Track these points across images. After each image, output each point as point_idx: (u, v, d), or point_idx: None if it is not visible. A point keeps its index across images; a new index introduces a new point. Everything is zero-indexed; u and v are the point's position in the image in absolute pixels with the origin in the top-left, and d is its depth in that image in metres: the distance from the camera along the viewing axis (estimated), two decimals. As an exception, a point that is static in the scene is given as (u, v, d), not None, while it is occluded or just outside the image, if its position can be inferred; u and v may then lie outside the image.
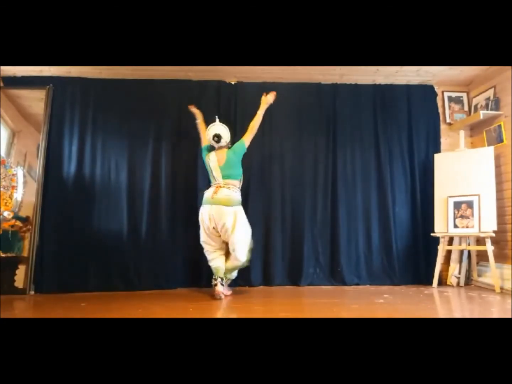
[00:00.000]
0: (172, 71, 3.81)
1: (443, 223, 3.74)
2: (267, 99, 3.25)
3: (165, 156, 3.85)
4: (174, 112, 3.91)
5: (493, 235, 3.43)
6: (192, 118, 3.97)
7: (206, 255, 3.21)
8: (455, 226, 3.66)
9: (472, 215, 3.58)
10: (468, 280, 3.88)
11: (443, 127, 4.19)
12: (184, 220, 3.79)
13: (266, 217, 3.84)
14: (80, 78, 3.86)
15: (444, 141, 4.17)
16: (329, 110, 4.06)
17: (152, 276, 3.66)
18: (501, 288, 3.36)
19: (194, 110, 3.56)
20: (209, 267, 3.72)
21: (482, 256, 3.76)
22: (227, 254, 3.19)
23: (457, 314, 2.67)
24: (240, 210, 3.12)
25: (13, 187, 3.63)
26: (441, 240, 3.71)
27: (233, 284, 3.43)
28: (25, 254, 3.55)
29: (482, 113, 3.76)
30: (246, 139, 3.21)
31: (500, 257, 3.57)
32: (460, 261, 3.88)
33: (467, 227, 3.60)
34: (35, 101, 3.77)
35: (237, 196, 3.13)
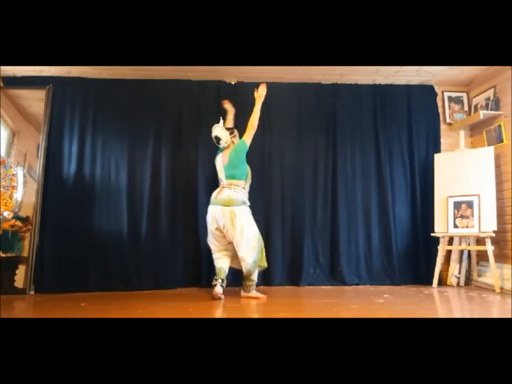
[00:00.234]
0: (172, 71, 3.81)
1: (443, 223, 3.74)
2: (260, 93, 3.24)
3: (165, 156, 3.86)
4: (174, 112, 3.91)
5: (493, 235, 3.43)
6: (192, 118, 3.98)
7: (212, 254, 3.23)
8: (455, 226, 3.66)
9: (472, 215, 3.58)
10: (468, 280, 3.88)
11: (443, 127, 4.19)
12: (184, 220, 3.79)
13: (266, 217, 3.84)
14: (80, 78, 3.86)
15: (444, 141, 4.17)
16: (329, 110, 4.06)
17: (152, 276, 3.66)
18: (501, 288, 3.36)
19: (227, 106, 3.51)
20: (209, 267, 3.74)
21: (482, 256, 3.76)
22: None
23: (457, 314, 2.67)
24: (243, 210, 3.08)
25: (13, 187, 3.63)
26: (441, 240, 3.71)
27: (232, 284, 3.42)
28: (25, 254, 3.55)
29: (482, 113, 3.76)
30: (247, 137, 3.20)
31: (500, 257, 3.57)
32: (460, 261, 3.88)
33: (467, 227, 3.60)
34: (35, 101, 3.77)
35: (239, 196, 3.10)
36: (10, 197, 3.61)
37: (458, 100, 4.23)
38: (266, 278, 3.74)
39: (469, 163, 3.71)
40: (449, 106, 4.22)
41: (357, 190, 4.00)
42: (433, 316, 2.45)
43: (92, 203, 3.72)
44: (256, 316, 2.55)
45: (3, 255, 3.50)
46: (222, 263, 3.14)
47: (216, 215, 3.06)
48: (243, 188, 3.17)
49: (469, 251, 3.88)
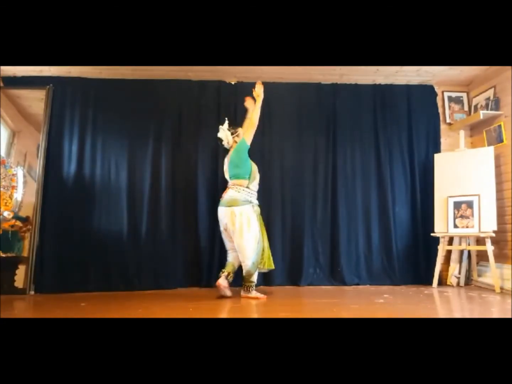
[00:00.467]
0: (172, 71, 3.81)
1: (443, 223, 3.74)
2: (257, 92, 3.22)
3: (165, 156, 3.86)
4: (174, 112, 3.91)
5: (493, 235, 3.43)
6: (192, 118, 3.98)
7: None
8: (455, 226, 3.66)
9: (472, 215, 3.58)
10: (468, 280, 3.88)
11: (443, 127, 4.19)
12: (184, 220, 3.79)
13: (266, 217, 3.83)
14: (80, 78, 3.87)
15: (444, 141, 4.17)
16: (329, 110, 4.06)
17: (152, 276, 3.66)
18: (501, 288, 3.36)
19: (248, 103, 3.38)
20: (209, 267, 3.75)
21: (482, 256, 3.76)
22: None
23: (457, 314, 2.66)
24: (244, 210, 3.05)
25: (13, 187, 3.63)
26: (441, 240, 3.71)
27: (232, 284, 3.41)
28: (25, 254, 3.55)
29: (482, 113, 3.76)
30: (247, 136, 3.18)
31: (500, 257, 3.57)
32: (460, 261, 3.88)
33: (467, 227, 3.60)
34: (35, 101, 3.77)
35: (240, 196, 3.09)
36: (10, 197, 3.61)
37: (458, 100, 4.23)
38: (266, 278, 3.74)
39: (469, 163, 3.71)
40: (449, 106, 4.22)
41: (357, 190, 4.00)
42: (433, 316, 2.45)
43: (92, 203, 3.72)
44: (256, 316, 2.55)
45: (3, 255, 3.50)
46: (229, 257, 3.21)
47: (221, 215, 3.14)
48: (247, 187, 3.13)
49: (469, 251, 3.88)
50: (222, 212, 3.12)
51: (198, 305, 2.83)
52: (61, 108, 3.81)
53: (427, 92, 4.18)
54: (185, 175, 3.85)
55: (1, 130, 3.68)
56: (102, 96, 3.86)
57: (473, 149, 3.84)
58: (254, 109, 3.21)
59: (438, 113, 4.19)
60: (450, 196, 3.73)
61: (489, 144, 3.80)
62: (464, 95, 4.24)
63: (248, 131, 3.18)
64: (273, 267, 3.22)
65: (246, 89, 3.76)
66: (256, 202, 3.21)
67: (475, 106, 4.11)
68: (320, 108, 4.06)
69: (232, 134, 3.25)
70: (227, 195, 3.13)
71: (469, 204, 3.62)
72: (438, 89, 4.21)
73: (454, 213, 3.69)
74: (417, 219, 3.98)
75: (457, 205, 3.68)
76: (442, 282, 3.84)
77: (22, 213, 3.61)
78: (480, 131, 3.98)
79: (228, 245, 3.22)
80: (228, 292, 3.06)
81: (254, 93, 3.26)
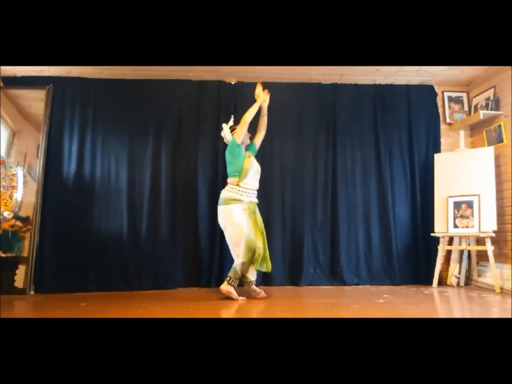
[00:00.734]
0: (172, 71, 3.81)
1: (443, 223, 3.74)
2: (256, 93, 3.17)
3: (165, 156, 3.86)
4: (174, 112, 3.91)
5: (493, 235, 3.43)
6: (192, 118, 3.98)
7: None
8: (455, 226, 3.66)
9: (472, 215, 3.58)
10: (468, 280, 3.88)
11: (443, 127, 4.19)
12: (184, 220, 3.79)
13: (266, 217, 3.83)
14: (80, 78, 3.86)
15: (444, 141, 4.17)
16: (329, 110, 4.06)
17: (152, 276, 3.66)
18: (501, 288, 3.36)
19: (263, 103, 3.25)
20: (209, 267, 3.75)
21: (482, 256, 3.76)
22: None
23: (457, 314, 2.67)
24: (228, 208, 2.99)
25: (13, 187, 3.63)
26: (441, 240, 3.71)
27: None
28: (25, 254, 3.55)
29: (482, 113, 3.76)
30: (236, 133, 3.06)
31: (500, 257, 3.57)
32: (460, 261, 3.88)
33: (467, 227, 3.60)
34: (35, 101, 3.77)
35: (228, 194, 3.02)
36: (10, 197, 3.61)
37: (458, 100, 4.23)
38: (266, 278, 3.74)
39: (469, 163, 3.70)
40: (449, 106, 4.22)
41: (357, 190, 4.00)
42: (433, 316, 2.45)
43: (92, 203, 3.72)
44: (256, 316, 2.55)
45: (3, 255, 3.50)
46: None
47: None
48: (237, 185, 3.04)
49: (469, 251, 3.88)
50: (217, 211, 3.13)
51: (198, 305, 2.83)
52: (61, 108, 3.81)
53: (427, 92, 4.18)
54: (185, 175, 3.86)
55: (1, 130, 3.68)
56: (102, 96, 3.86)
57: (473, 149, 3.84)
58: (250, 108, 3.12)
59: (438, 113, 4.19)
60: (450, 196, 3.73)
61: (489, 144, 3.80)
62: (464, 95, 4.24)
63: (238, 129, 3.07)
64: (269, 269, 3.10)
65: (246, 89, 3.77)
66: (250, 199, 3.05)
67: (475, 106, 4.10)
68: (320, 108, 4.06)
69: (231, 131, 3.21)
70: (221, 194, 3.12)
71: (469, 204, 3.62)
72: (438, 89, 4.21)
73: (454, 213, 3.69)
74: (417, 219, 3.98)
75: (457, 205, 3.68)
76: (442, 282, 3.84)
77: (22, 213, 3.61)
78: (480, 131, 3.98)
79: None
80: (233, 297, 2.97)
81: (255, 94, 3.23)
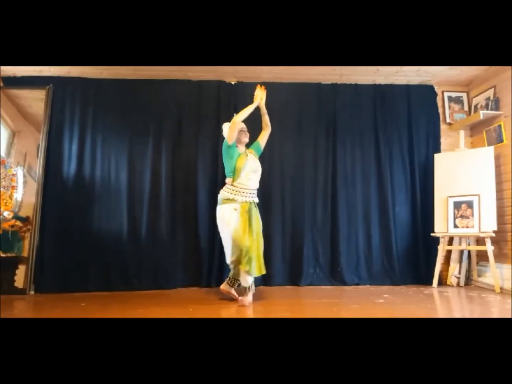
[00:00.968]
0: (172, 71, 3.81)
1: (443, 223, 3.74)
2: (255, 94, 3.05)
3: (165, 156, 3.86)
4: (174, 112, 3.91)
5: (493, 235, 3.43)
6: (192, 118, 3.98)
7: None
8: (455, 226, 3.66)
9: (472, 215, 3.58)
10: (468, 280, 3.88)
11: (443, 127, 4.19)
12: (184, 220, 3.79)
13: (266, 217, 3.83)
14: (80, 78, 3.87)
15: (444, 141, 4.17)
16: (329, 110, 4.06)
17: (152, 276, 3.66)
18: (501, 288, 3.36)
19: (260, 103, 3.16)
20: (209, 267, 3.75)
21: (482, 256, 3.76)
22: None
23: (457, 314, 2.67)
24: (222, 208, 2.95)
25: (13, 187, 3.63)
26: (441, 240, 3.71)
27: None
28: (25, 254, 3.55)
29: (482, 113, 3.76)
30: (227, 135, 2.97)
31: (500, 257, 3.57)
32: (460, 261, 3.88)
33: (467, 227, 3.60)
34: (35, 101, 3.77)
35: (221, 194, 2.99)
36: (10, 197, 3.61)
37: (458, 100, 4.23)
38: (266, 278, 3.73)
39: (469, 163, 3.71)
40: (449, 106, 4.22)
41: (357, 190, 4.00)
42: (433, 316, 2.45)
43: (92, 203, 3.72)
44: (256, 316, 2.55)
45: (3, 255, 3.50)
46: None
47: None
48: (231, 184, 2.98)
49: (469, 251, 3.88)
50: None
51: (198, 305, 2.83)
52: (61, 108, 3.81)
53: (427, 92, 4.18)
54: (185, 175, 3.86)
55: (1, 130, 3.68)
56: (102, 96, 3.86)
57: (473, 149, 3.84)
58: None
59: (438, 113, 4.19)
60: (450, 196, 3.73)
61: (489, 144, 3.80)
62: (464, 95, 4.24)
63: (229, 130, 2.97)
64: (260, 273, 2.92)
65: (246, 89, 3.77)
66: (244, 199, 2.93)
67: (475, 106, 4.11)
68: (320, 108, 4.06)
69: None
70: (218, 194, 3.07)
71: (469, 204, 3.62)
72: (438, 89, 4.21)
73: (454, 213, 3.69)
74: (417, 219, 3.98)
75: (457, 205, 3.68)
76: (442, 282, 3.84)
77: (22, 213, 3.61)
78: (480, 131, 3.98)
79: None
80: (232, 296, 2.96)
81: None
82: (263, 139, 3.18)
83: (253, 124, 3.16)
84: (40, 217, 3.62)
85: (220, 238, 3.35)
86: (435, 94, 4.19)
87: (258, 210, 3.03)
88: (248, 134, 3.08)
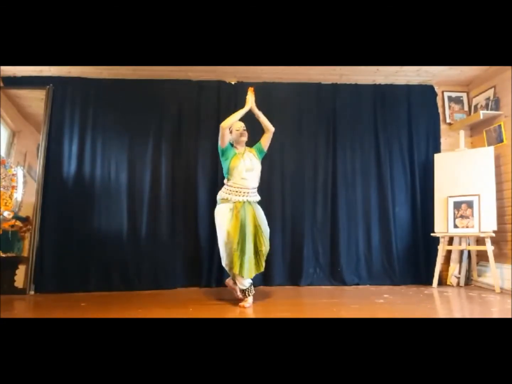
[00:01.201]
0: (172, 71, 3.81)
1: (443, 223, 3.74)
2: (247, 98, 3.02)
3: (165, 156, 3.86)
4: (174, 112, 3.91)
5: (493, 235, 3.43)
6: (192, 118, 3.97)
7: None
8: (455, 226, 3.66)
9: (472, 215, 3.58)
10: (468, 280, 3.88)
11: (443, 127, 4.19)
12: (184, 220, 3.79)
13: (266, 217, 3.83)
14: (80, 78, 3.87)
15: (444, 141, 4.17)
16: (329, 110, 4.06)
17: (152, 276, 3.66)
18: (501, 288, 3.36)
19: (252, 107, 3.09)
20: (209, 267, 3.75)
21: (482, 256, 3.76)
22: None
23: (457, 314, 2.67)
24: (217, 208, 2.96)
25: (13, 187, 3.63)
26: (441, 240, 3.71)
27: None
28: (25, 254, 3.55)
29: (482, 113, 3.76)
30: (219, 139, 2.96)
31: (500, 257, 3.57)
32: (460, 261, 3.88)
33: (467, 227, 3.60)
34: (35, 101, 3.77)
35: (218, 195, 3.00)
36: (10, 197, 3.61)
37: (458, 100, 4.23)
38: (266, 278, 3.74)
39: (469, 163, 3.71)
40: (449, 106, 4.22)
41: (357, 190, 4.00)
42: (433, 316, 2.45)
43: (92, 203, 3.72)
44: (256, 316, 2.55)
45: (3, 255, 3.50)
46: None
47: None
48: (227, 185, 2.98)
49: (469, 251, 3.88)
50: None
51: (198, 305, 2.83)
52: (61, 108, 3.81)
53: (427, 92, 4.18)
54: (185, 175, 3.86)
55: (1, 130, 3.68)
56: (102, 96, 3.86)
57: (473, 149, 3.84)
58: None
59: (438, 113, 4.19)
60: (450, 196, 3.73)
61: (489, 144, 3.80)
62: (464, 95, 4.24)
63: (219, 135, 2.93)
64: (250, 276, 2.79)
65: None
66: (237, 199, 2.87)
67: (475, 106, 4.11)
68: (320, 108, 4.06)
69: (230, 131, 3.15)
70: None
71: (469, 204, 3.62)
72: (438, 89, 4.21)
73: (454, 213, 3.69)
74: (417, 219, 3.98)
75: (457, 205, 3.68)
76: (442, 282, 3.84)
77: (22, 213, 3.61)
78: (480, 131, 3.98)
79: None
80: (235, 293, 2.96)
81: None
82: (264, 140, 3.11)
83: (253, 124, 3.15)
84: (40, 217, 3.62)
85: (220, 238, 3.36)
86: (435, 94, 4.19)
87: (257, 208, 2.97)
88: (245, 133, 3.01)
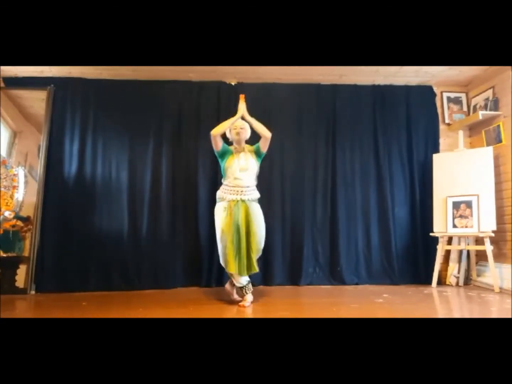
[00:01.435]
0: (173, 72, 3.81)
1: (442, 223, 3.75)
2: (239, 106, 3.01)
3: (165, 156, 3.86)
4: (174, 112, 3.92)
5: (492, 235, 3.44)
6: (193, 118, 3.98)
7: None
8: (454, 226, 3.67)
9: (471, 215, 3.59)
10: (467, 280, 3.89)
11: (442, 127, 4.20)
12: (184, 220, 3.80)
13: (266, 217, 3.81)
14: (81, 78, 3.87)
15: (443, 141, 4.18)
16: (329, 111, 4.07)
17: (152, 276, 3.67)
18: (500, 288, 3.37)
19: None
20: (209, 267, 3.76)
21: (481, 256, 3.77)
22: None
23: (456, 314, 2.67)
24: (215, 208, 3.01)
25: (14, 187, 3.64)
26: (440, 240, 3.72)
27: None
28: (26, 254, 3.56)
29: (481, 114, 3.77)
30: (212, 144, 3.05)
31: (499, 257, 3.58)
32: (459, 261, 3.89)
33: (466, 227, 3.61)
34: (36, 101, 3.78)
35: (216, 194, 3.04)
36: (11, 197, 3.62)
37: (457, 101, 4.24)
38: (265, 278, 3.75)
39: (468, 163, 3.71)
40: (448, 107, 4.22)
41: (356, 190, 4.01)
42: (432, 316, 2.46)
43: (93, 203, 3.73)
44: (255, 316, 2.56)
45: (4, 255, 3.50)
46: None
47: None
48: (224, 184, 3.01)
49: (468, 251, 3.89)
50: None
51: (198, 305, 2.83)
52: (62, 108, 3.82)
53: (426, 93, 4.19)
54: (185, 175, 3.86)
55: (2, 130, 3.69)
56: (103, 96, 3.87)
57: (472, 149, 3.85)
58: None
59: (437, 114, 4.19)
60: (449, 196, 3.74)
61: (488, 144, 3.80)
62: (463, 95, 4.25)
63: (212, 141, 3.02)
64: (245, 274, 2.80)
65: (246, 89, 3.77)
66: (231, 197, 2.89)
67: (474, 107, 4.11)
68: (319, 108, 4.06)
69: (229, 131, 3.16)
70: None
71: (468, 204, 3.63)
72: (437, 90, 4.22)
73: (453, 213, 3.69)
74: (416, 219, 3.99)
75: (456, 205, 3.69)
76: (441, 281, 3.85)
77: (23, 213, 3.62)
78: (479, 131, 3.99)
79: None
80: (233, 297, 2.96)
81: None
82: (261, 143, 3.10)
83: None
84: (41, 217, 3.62)
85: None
86: (434, 95, 4.20)
87: (253, 206, 2.93)
88: (243, 132, 3.01)
